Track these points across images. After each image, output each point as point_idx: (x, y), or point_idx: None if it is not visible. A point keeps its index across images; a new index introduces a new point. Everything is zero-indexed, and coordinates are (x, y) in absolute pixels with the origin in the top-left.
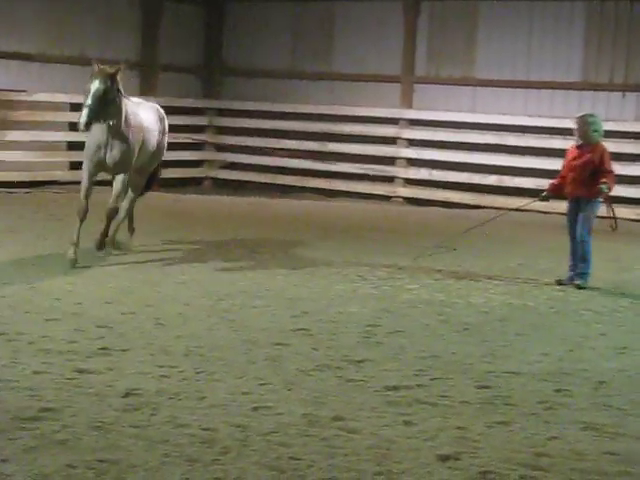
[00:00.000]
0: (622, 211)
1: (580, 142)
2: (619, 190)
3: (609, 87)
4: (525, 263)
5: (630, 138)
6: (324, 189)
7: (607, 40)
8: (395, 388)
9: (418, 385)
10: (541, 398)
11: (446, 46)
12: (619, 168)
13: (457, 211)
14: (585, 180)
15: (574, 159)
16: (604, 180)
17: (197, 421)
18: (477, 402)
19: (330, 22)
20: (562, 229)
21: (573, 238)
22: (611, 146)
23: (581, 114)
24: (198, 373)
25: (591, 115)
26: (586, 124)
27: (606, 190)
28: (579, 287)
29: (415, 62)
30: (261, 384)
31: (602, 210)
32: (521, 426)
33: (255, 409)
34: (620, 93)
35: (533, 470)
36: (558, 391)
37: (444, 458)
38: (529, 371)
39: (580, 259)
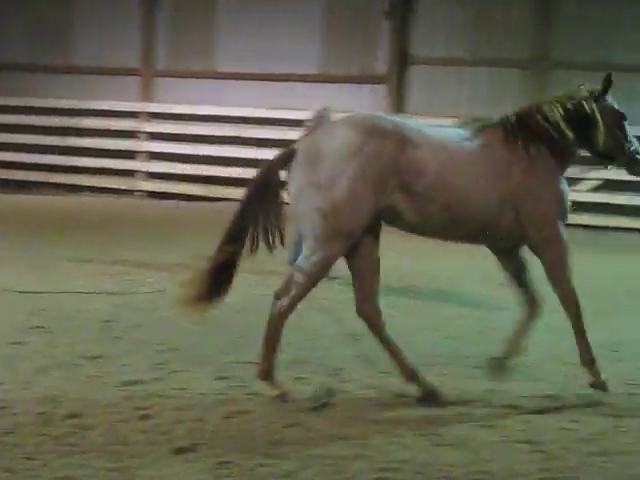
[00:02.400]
0: None
1: None
2: None
3: (346, 79)
4: (263, 254)
5: None
6: (66, 184)
7: (344, 32)
8: (132, 383)
9: (156, 379)
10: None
11: (186, 39)
12: None
13: (201, 204)
14: None
15: None
16: None
17: None
18: (216, 393)
19: (67, 12)
20: None
21: None
22: None
23: (321, 106)
24: None
25: (328, 108)
26: (326, 116)
27: None
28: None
29: (155, 55)
30: None
31: None
32: (259, 415)
33: None
34: (357, 84)
35: (270, 458)
36: (296, 379)
37: (180, 451)
38: None
39: None
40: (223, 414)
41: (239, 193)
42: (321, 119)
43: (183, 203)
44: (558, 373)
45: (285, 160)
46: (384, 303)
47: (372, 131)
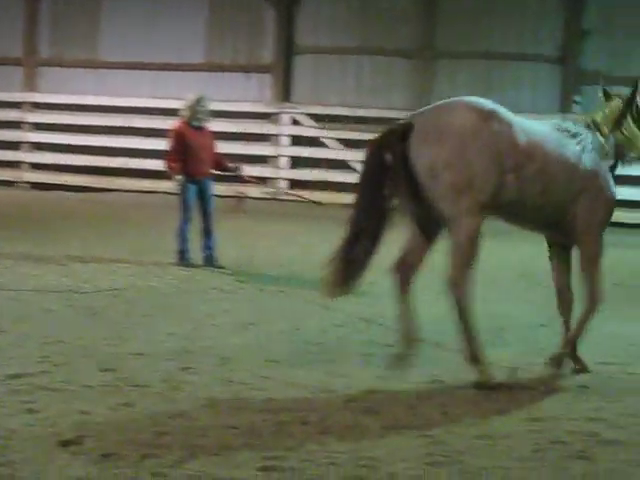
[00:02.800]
0: (250, 190)
1: (196, 123)
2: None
3: (232, 68)
4: (151, 244)
5: (254, 118)
6: None
7: (229, 22)
8: (17, 376)
9: (41, 372)
10: (166, 377)
11: (70, 29)
12: (244, 148)
13: (88, 195)
14: (210, 160)
15: (197, 139)
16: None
17: None
18: (101, 385)
19: None
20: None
21: (205, 217)
22: (235, 127)
23: (197, 95)
24: None
25: (204, 97)
26: (205, 104)
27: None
28: (218, 266)
29: (38, 44)
30: None
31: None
32: (145, 406)
33: None
34: (243, 74)
35: (155, 449)
36: (183, 369)
37: (66, 443)
38: (154, 351)
39: (209, 236)
40: (109, 406)
41: (126, 183)
42: (196, 107)
43: (70, 194)
44: (442, 359)
45: (394, 140)
46: (268, 291)
47: (488, 114)
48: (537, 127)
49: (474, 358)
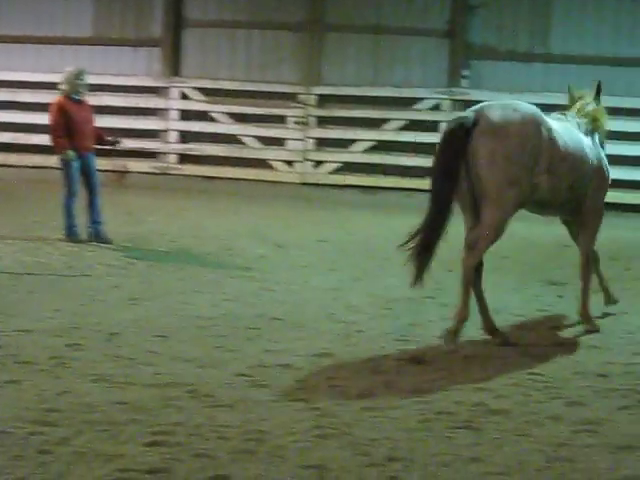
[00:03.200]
0: (136, 165)
1: (76, 96)
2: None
3: (120, 42)
4: (39, 221)
5: (143, 93)
6: None
7: None
8: None
9: None
10: (52, 354)
11: None
12: (133, 122)
13: None
14: (92, 134)
15: (78, 113)
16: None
17: None
18: None
19: None
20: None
21: (91, 192)
22: (124, 101)
23: (76, 68)
24: None
25: (83, 70)
26: (84, 78)
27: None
28: (106, 241)
29: None
30: None
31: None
32: (32, 383)
33: None
34: (132, 48)
35: (43, 426)
36: (70, 346)
37: None
38: (41, 328)
39: (95, 211)
40: None
41: (14, 159)
42: (75, 81)
43: None
44: (332, 331)
45: (463, 132)
46: (158, 266)
47: (540, 119)
48: (564, 127)
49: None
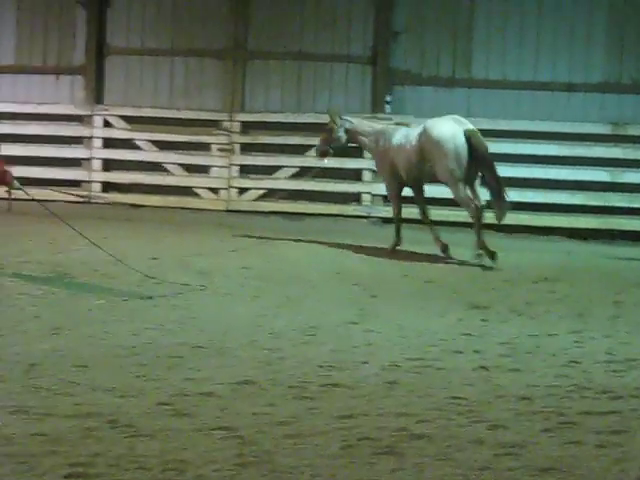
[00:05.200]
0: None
1: None
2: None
3: (43, 70)
4: None
5: (66, 121)
6: None
7: (39, 22)
8: None
9: None
10: None
11: None
12: (56, 151)
13: None
14: None
15: None
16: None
17: None
18: None
19: None
20: None
21: None
22: (47, 129)
23: None
24: None
25: None
26: None
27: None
28: None
29: None
30: None
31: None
32: None
33: None
34: (54, 75)
35: None
36: None
37: None
38: None
39: None
40: None
41: None
42: None
43: None
44: (254, 359)
45: None
46: (80, 295)
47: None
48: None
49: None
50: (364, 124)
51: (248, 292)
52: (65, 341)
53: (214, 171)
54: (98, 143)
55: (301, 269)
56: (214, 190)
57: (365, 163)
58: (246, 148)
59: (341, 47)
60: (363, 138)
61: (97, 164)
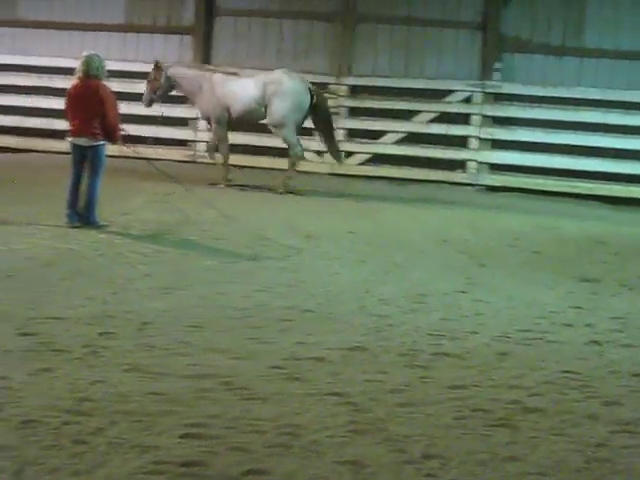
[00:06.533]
0: (166, 152)
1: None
2: None
3: (152, 29)
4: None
5: None
6: None
7: None
8: None
9: None
10: (85, 342)
11: None
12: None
13: (6, 155)
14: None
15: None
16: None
17: None
18: (19, 350)
19: None
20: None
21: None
22: None
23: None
24: None
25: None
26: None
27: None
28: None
29: None
30: None
31: None
32: (65, 372)
33: None
34: (163, 35)
35: (76, 415)
36: (102, 334)
37: None
38: (73, 316)
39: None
40: (28, 371)
41: (45, 144)
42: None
43: None
44: (364, 325)
45: None
46: (190, 255)
47: None
48: None
49: None
50: (183, 70)
51: (355, 257)
52: (177, 301)
53: None
54: None
55: (407, 235)
56: (319, 153)
57: (472, 130)
58: (353, 112)
59: (451, 12)
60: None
61: (203, 124)
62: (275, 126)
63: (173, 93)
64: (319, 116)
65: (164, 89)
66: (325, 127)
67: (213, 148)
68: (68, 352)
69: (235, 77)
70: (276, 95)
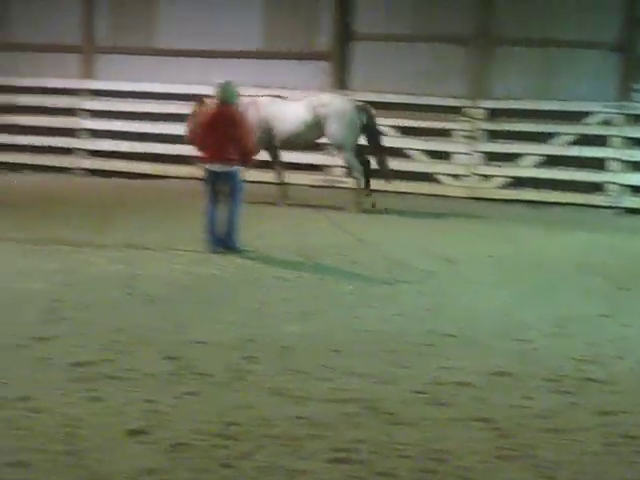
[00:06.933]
0: (301, 177)
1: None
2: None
3: (289, 55)
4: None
5: None
6: (4, 162)
7: (286, 8)
8: (81, 364)
9: (104, 360)
10: (228, 366)
11: (127, 15)
12: None
13: (144, 182)
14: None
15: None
16: None
17: None
18: (164, 374)
19: None
20: None
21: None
22: None
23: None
24: None
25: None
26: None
27: None
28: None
29: (96, 31)
30: None
31: None
32: (210, 396)
33: None
34: (299, 61)
35: (224, 439)
36: (245, 358)
37: (133, 433)
38: (216, 340)
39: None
40: (174, 395)
41: (181, 170)
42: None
43: (126, 181)
44: (506, 349)
45: None
46: (327, 279)
47: None
48: None
49: None
50: None
51: (494, 280)
52: (316, 325)
53: (457, 158)
54: None
55: (547, 258)
56: (457, 177)
57: (612, 152)
58: (490, 135)
59: (587, 33)
60: None
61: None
62: (336, 148)
63: None
64: (370, 135)
65: None
66: (376, 146)
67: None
68: (212, 376)
69: (281, 100)
70: (329, 117)
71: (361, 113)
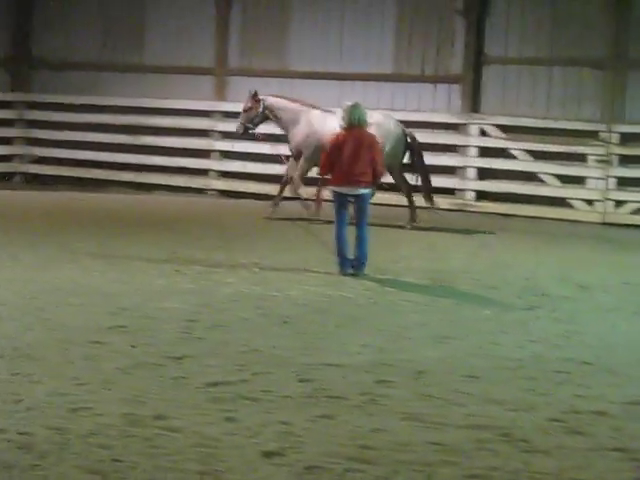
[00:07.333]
0: (437, 201)
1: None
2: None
3: (420, 78)
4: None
5: (442, 129)
6: (138, 183)
7: (417, 32)
8: (216, 384)
9: (240, 380)
10: (363, 390)
11: (259, 38)
12: (431, 159)
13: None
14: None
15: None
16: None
17: (14, 425)
18: (299, 396)
19: (141, 12)
20: None
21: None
22: (423, 137)
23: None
24: (13, 375)
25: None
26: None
27: None
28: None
29: (228, 54)
30: (79, 384)
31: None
32: (344, 419)
33: (73, 410)
34: (432, 84)
35: (358, 463)
36: (379, 382)
37: (269, 454)
38: (350, 363)
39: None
40: (308, 417)
41: (310, 192)
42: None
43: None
44: None
45: None
46: (463, 304)
47: None
48: None
49: None
50: (284, 102)
51: (631, 308)
52: (452, 350)
53: (590, 182)
54: (473, 152)
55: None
56: (589, 202)
57: None
58: (624, 160)
59: None
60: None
61: (472, 172)
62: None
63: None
64: (415, 159)
65: (260, 118)
66: (420, 169)
67: (299, 184)
68: (346, 399)
69: (333, 115)
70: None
71: (406, 137)
